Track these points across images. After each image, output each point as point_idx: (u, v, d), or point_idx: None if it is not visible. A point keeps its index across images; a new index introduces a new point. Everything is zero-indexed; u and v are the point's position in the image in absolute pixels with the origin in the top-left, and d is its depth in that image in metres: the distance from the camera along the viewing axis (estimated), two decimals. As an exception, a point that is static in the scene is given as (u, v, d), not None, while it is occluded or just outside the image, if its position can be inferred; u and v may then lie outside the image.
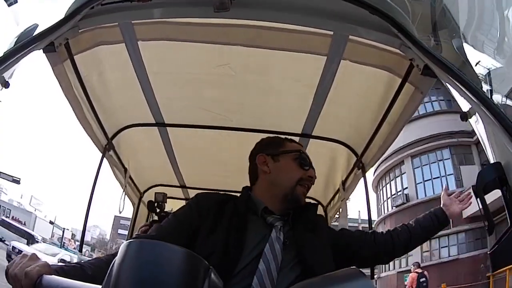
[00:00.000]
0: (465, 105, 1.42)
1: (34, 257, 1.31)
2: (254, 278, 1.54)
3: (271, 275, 1.56)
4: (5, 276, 1.30)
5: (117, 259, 0.98)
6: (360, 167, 3.20)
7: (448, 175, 20.71)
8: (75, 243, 44.56)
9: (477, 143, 18.50)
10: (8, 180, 35.15)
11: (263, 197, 1.80)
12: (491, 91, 1.34)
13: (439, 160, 20.88)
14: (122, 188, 3.87)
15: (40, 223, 42.78)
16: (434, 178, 21.53)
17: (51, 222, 45.48)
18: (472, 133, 18.16)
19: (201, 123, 3.23)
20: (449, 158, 20.71)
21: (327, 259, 1.70)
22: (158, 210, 4.09)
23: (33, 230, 33.83)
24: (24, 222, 38.72)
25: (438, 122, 20.65)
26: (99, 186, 3.37)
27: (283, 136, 2.02)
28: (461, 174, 20.08)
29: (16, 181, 34.96)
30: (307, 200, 1.90)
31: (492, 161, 1.19)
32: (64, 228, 46.69)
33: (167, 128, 3.29)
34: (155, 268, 0.95)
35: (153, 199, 4.26)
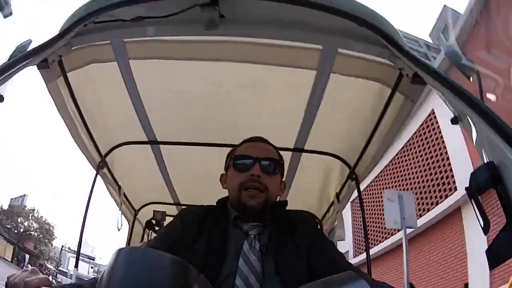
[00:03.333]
0: (454, 110, 1.45)
1: (34, 271, 1.33)
2: None
3: None
4: (4, 287, 1.31)
5: (108, 266, 0.99)
6: (354, 178, 3.21)
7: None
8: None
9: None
10: (85, 258, 39.72)
11: (235, 208, 1.79)
12: (481, 93, 1.37)
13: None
14: (118, 206, 3.85)
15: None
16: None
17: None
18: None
19: (193, 140, 3.23)
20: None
21: (302, 265, 1.64)
22: (157, 228, 4.07)
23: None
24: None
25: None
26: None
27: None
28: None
29: (91, 258, 37.87)
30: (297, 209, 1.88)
31: (485, 161, 1.22)
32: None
33: (160, 145, 3.29)
34: (144, 274, 0.96)
35: (148, 217, 4.24)
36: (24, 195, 52.87)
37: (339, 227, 3.61)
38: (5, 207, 45.80)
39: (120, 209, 3.87)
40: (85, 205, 3.36)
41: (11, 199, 50.97)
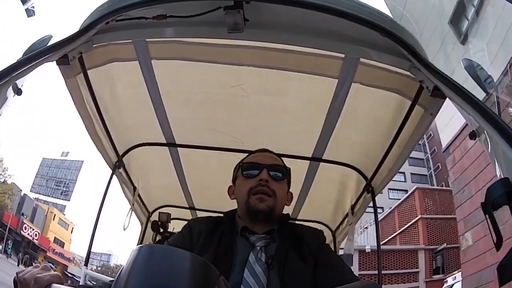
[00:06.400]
0: (473, 124, 1.43)
1: (46, 268, 1.29)
2: None
3: None
4: (13, 283, 1.27)
5: (128, 264, 0.96)
6: (370, 191, 3.16)
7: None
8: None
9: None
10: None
11: (243, 218, 1.81)
12: (499, 109, 1.35)
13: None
14: (130, 206, 3.83)
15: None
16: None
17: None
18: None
19: (212, 144, 3.22)
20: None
21: (308, 279, 1.64)
22: (162, 230, 4.07)
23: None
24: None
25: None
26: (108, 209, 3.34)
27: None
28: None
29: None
30: (310, 224, 1.86)
31: (500, 177, 1.20)
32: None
33: (178, 148, 3.28)
34: (165, 272, 0.93)
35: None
36: (110, 255, 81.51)
37: (349, 240, 3.58)
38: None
39: (131, 209, 3.85)
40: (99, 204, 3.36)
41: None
